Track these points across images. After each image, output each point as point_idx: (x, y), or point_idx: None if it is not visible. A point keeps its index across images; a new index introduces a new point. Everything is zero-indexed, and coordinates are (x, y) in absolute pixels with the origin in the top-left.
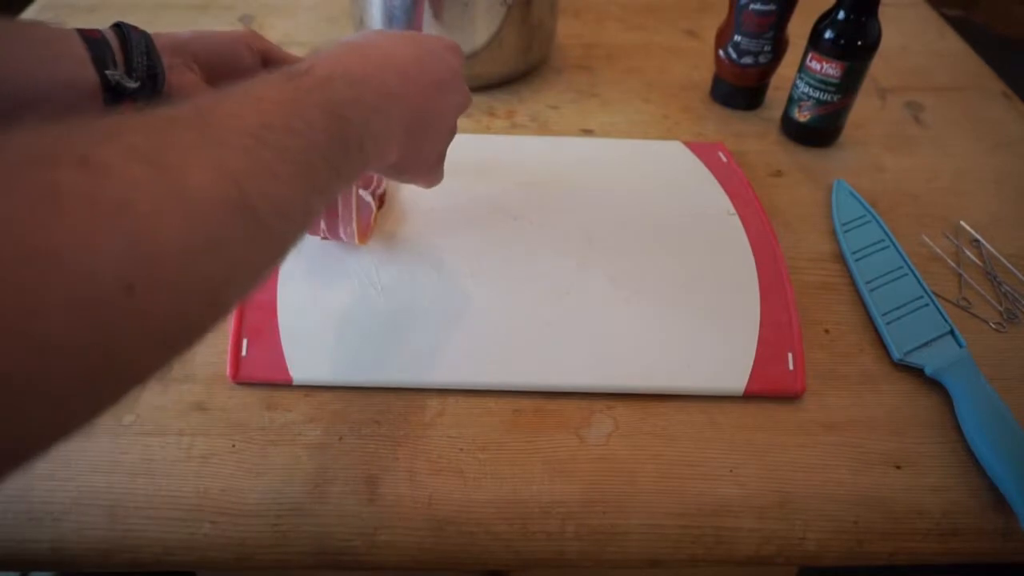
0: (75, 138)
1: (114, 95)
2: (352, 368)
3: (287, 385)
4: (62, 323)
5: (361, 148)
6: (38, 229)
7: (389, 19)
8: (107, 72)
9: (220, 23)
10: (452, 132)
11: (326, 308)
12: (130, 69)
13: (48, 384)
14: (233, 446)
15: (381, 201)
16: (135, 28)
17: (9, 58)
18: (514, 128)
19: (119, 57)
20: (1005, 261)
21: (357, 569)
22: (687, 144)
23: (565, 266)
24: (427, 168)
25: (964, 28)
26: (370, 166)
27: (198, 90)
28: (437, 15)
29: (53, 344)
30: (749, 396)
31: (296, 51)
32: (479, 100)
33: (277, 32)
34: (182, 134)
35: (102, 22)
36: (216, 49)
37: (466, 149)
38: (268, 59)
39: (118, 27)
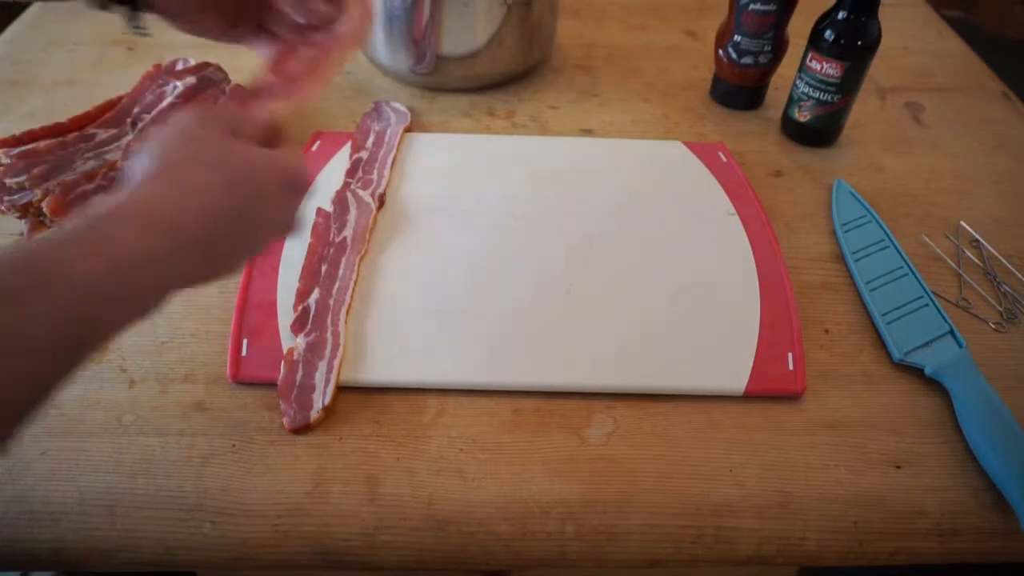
0: None
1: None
2: (352, 368)
3: None
4: None
5: (112, 328)
6: None
7: (389, 19)
8: None
9: None
10: (287, 226)
11: None
12: None
13: None
14: (233, 446)
15: (381, 201)
16: None
17: None
18: (514, 128)
19: None
20: (1005, 261)
21: (357, 569)
22: (687, 144)
23: (565, 266)
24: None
25: (964, 28)
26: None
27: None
28: (437, 15)
29: None
30: (749, 396)
31: None
32: (479, 100)
33: None
34: None
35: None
36: None
37: (466, 149)
38: None
39: None
